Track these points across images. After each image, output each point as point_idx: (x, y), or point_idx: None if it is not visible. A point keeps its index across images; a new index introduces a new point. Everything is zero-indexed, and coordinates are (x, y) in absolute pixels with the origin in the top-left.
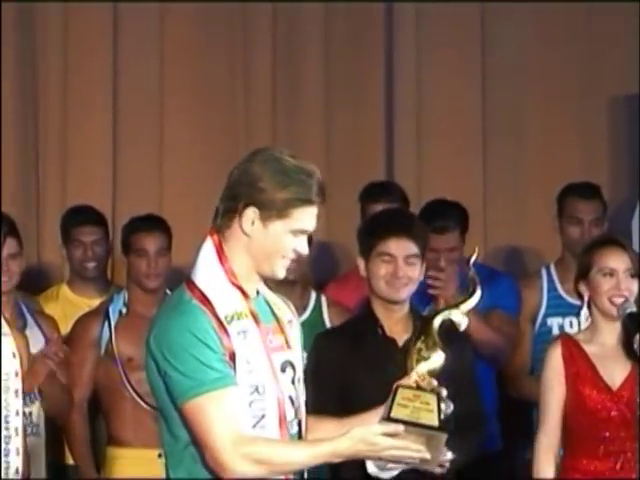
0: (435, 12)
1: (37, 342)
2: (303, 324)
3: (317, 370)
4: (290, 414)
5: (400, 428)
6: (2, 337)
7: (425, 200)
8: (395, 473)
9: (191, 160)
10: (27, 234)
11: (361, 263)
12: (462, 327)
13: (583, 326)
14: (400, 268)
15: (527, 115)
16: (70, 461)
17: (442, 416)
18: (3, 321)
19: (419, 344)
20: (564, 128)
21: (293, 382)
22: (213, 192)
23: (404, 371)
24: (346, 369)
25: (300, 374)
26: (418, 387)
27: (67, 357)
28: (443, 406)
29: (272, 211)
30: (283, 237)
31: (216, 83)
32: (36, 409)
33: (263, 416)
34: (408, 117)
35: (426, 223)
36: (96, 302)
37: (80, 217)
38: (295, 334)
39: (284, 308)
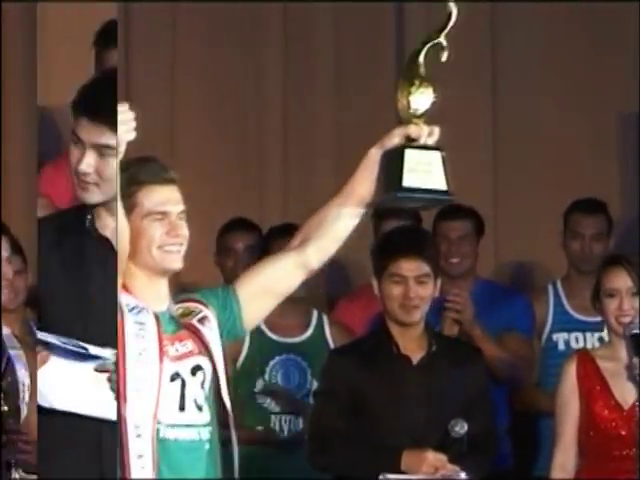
0: (446, 12)
1: None
2: (305, 342)
3: (330, 386)
4: (195, 418)
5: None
6: (14, 351)
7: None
8: None
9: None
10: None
11: (374, 283)
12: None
13: (589, 342)
14: (411, 289)
15: (538, 129)
16: None
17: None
18: (12, 337)
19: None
20: (575, 145)
21: (202, 386)
22: (222, 190)
23: (418, 389)
24: (359, 386)
25: (219, 375)
26: (422, 147)
27: None
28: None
29: (124, 207)
30: (144, 226)
31: (227, 86)
32: None
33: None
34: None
35: (440, 216)
36: None
37: None
38: (211, 331)
39: (197, 309)
